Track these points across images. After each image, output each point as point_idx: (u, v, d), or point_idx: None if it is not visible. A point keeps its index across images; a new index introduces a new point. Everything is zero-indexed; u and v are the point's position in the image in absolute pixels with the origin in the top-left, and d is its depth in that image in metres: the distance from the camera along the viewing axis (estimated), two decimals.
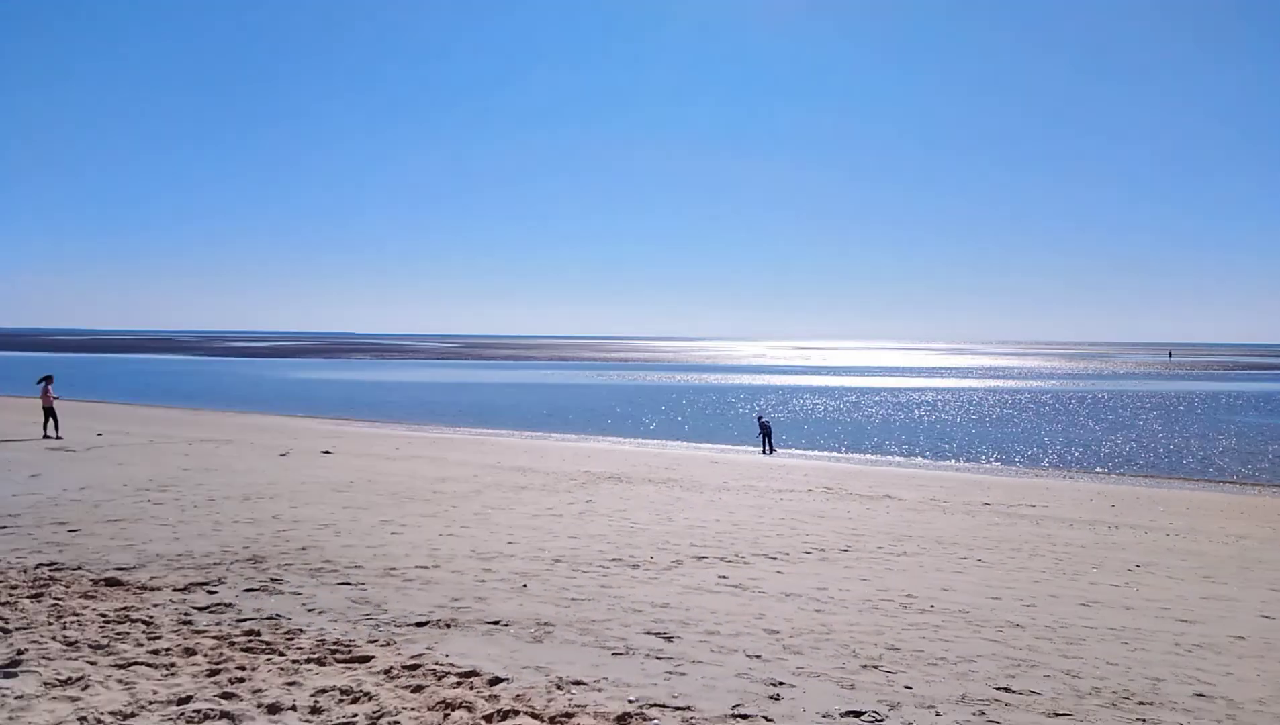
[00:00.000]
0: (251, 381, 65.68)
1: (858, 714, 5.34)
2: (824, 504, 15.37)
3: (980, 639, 7.14)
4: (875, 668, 6.26)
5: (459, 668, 5.85)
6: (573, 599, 7.94)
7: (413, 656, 6.07)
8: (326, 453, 20.78)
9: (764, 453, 28.16)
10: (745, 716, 5.23)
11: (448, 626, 6.92)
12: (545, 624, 7.07)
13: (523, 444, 27.71)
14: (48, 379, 23.88)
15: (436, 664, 5.90)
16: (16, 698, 5.09)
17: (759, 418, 31.12)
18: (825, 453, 29.39)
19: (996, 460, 28.20)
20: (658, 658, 6.30)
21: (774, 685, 5.79)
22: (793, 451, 29.18)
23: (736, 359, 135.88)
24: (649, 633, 6.93)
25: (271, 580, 8.24)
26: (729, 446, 30.39)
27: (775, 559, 10.16)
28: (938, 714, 5.40)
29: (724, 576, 9.10)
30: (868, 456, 28.66)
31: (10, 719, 4.79)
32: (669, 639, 6.77)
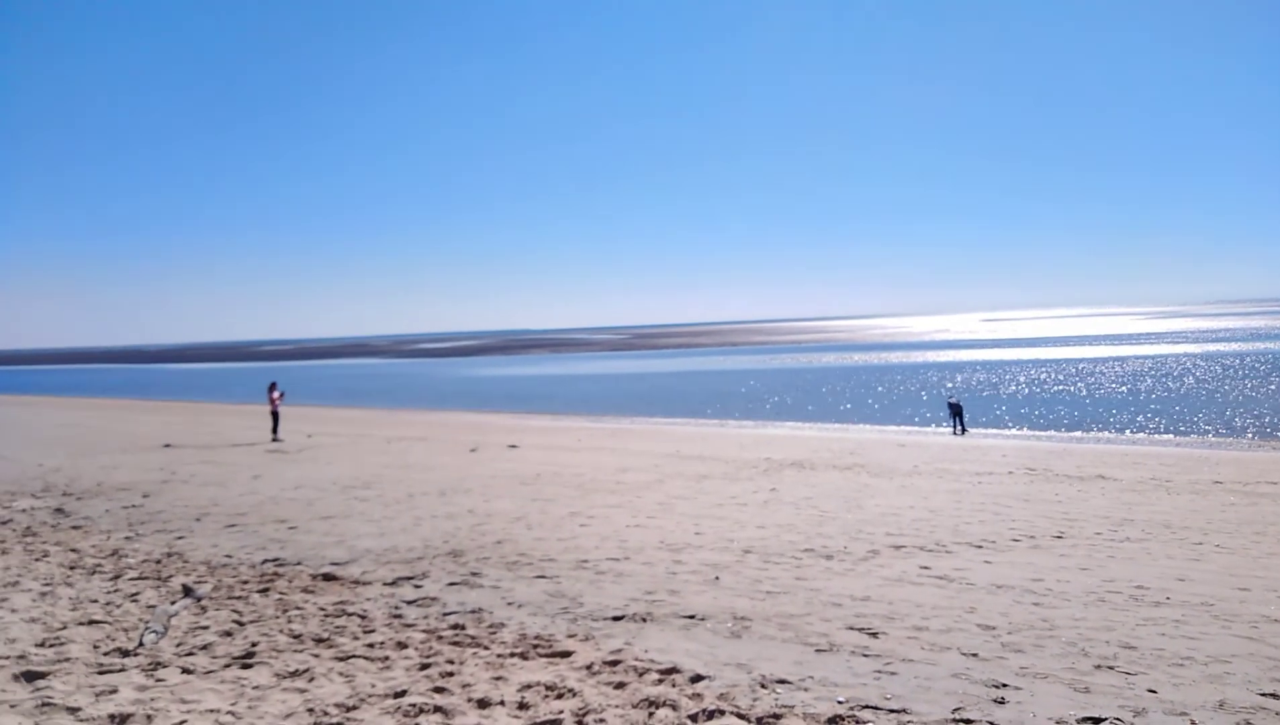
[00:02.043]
0: (439, 380, 69.21)
1: (1097, 721, 4.84)
2: (1028, 486, 14.38)
3: (1232, 636, 6.37)
4: (1110, 668, 5.68)
5: (659, 664, 5.76)
6: (767, 592, 7.71)
7: (612, 652, 6.03)
8: (513, 447, 21.47)
9: (955, 433, 26.83)
10: (968, 721, 4.85)
11: (644, 621, 6.86)
12: (742, 618, 6.88)
13: (700, 432, 27.67)
14: (274, 386, 25.93)
15: (636, 660, 5.83)
16: (253, 688, 5.40)
17: (948, 398, 29.68)
18: (1023, 431, 27.66)
19: (1223, 432, 25.62)
20: (864, 655, 5.98)
21: (996, 687, 5.35)
22: (987, 431, 27.65)
23: (916, 336, 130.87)
24: (851, 628, 6.61)
25: (472, 574, 8.49)
26: (916, 428, 29.18)
27: (981, 548, 9.54)
28: (1193, 722, 4.81)
29: (926, 567, 8.61)
30: (1071, 434, 26.73)
31: (250, 708, 5.08)
32: (874, 635, 6.43)
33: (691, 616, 6.95)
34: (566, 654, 6.00)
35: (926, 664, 5.79)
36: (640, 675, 5.55)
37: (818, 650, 6.09)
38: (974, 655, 5.96)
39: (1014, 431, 27.76)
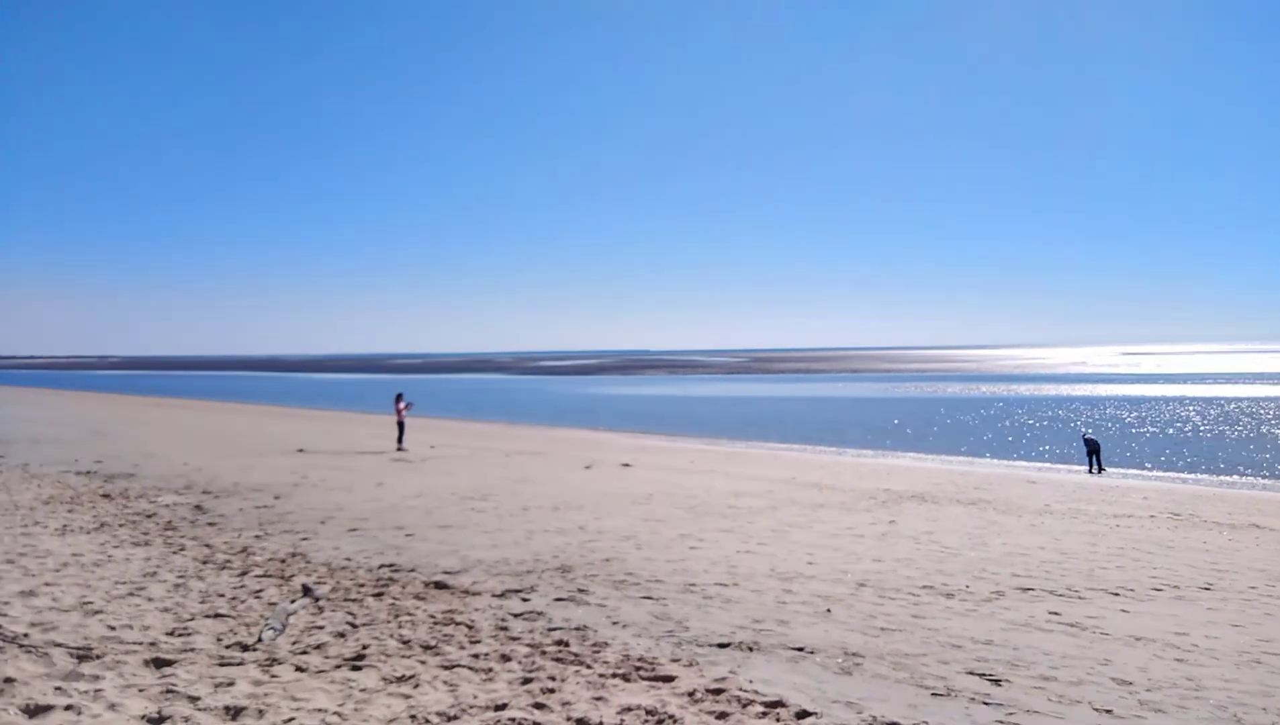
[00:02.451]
0: (558, 397, 70.40)
1: None
2: (1171, 532, 13.39)
3: None
4: None
5: (764, 696, 5.56)
6: (882, 628, 7.38)
7: (716, 680, 5.86)
8: (626, 465, 21.52)
9: (1091, 472, 25.37)
10: None
11: (750, 650, 6.66)
12: (853, 654, 6.60)
13: (817, 459, 27.10)
14: (401, 397, 26.88)
15: (740, 690, 5.65)
16: (360, 690, 5.50)
17: (1084, 434, 28.13)
18: (1166, 473, 25.90)
19: None
20: (985, 703, 5.62)
21: None
22: (1126, 471, 26.03)
23: (1051, 368, 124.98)
24: (971, 673, 6.23)
25: (579, 591, 8.47)
26: (1048, 465, 27.75)
27: (1117, 595, 8.89)
28: None
29: (1056, 613, 8.08)
30: (1222, 478, 24.85)
31: (355, 710, 5.16)
32: (996, 682, 6.04)
33: (800, 649, 6.71)
34: (669, 679, 5.87)
35: (1053, 717, 5.39)
36: (744, 706, 5.37)
37: (934, 694, 5.76)
38: (1108, 712, 5.51)
39: (1156, 473, 26.04)
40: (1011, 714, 5.43)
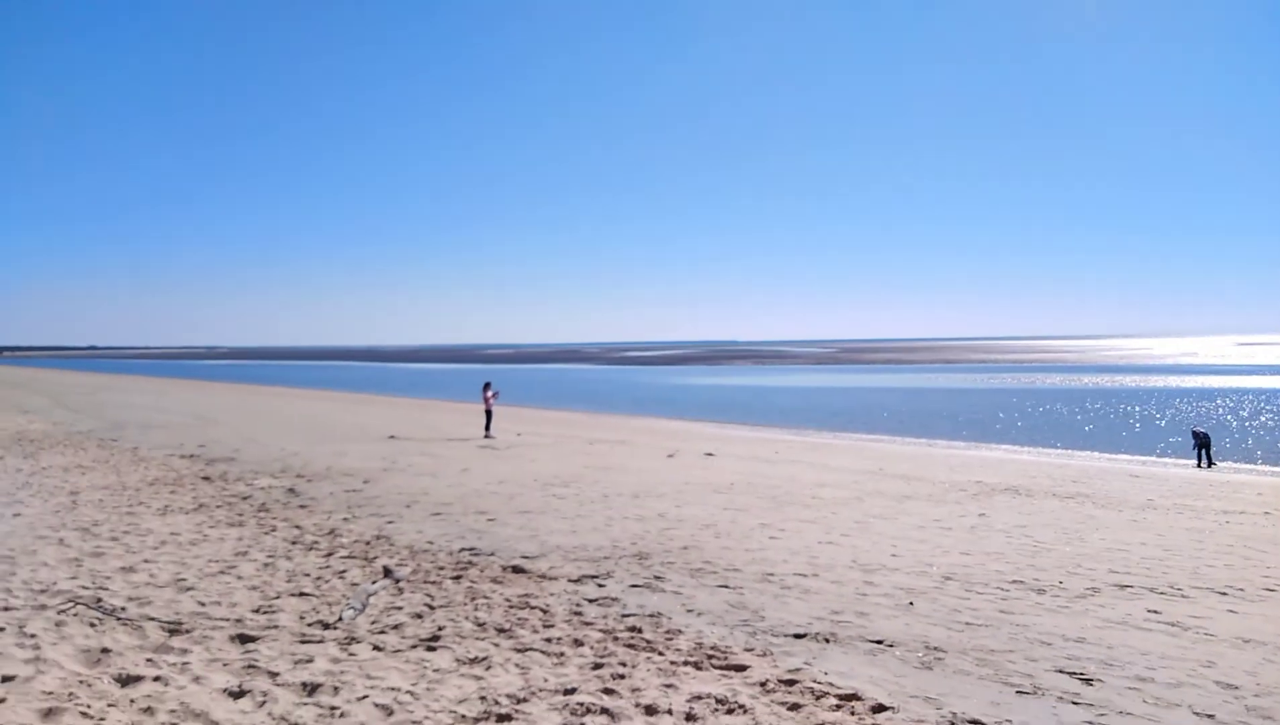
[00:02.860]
0: (644, 387, 70.60)
1: None
2: None
3: None
4: None
5: (839, 689, 5.40)
6: (966, 623, 7.12)
7: (790, 670, 5.73)
8: (709, 455, 21.40)
9: (1200, 466, 24.10)
10: None
11: (827, 641, 6.50)
12: (935, 649, 6.37)
13: (905, 451, 26.46)
14: (489, 386, 27.33)
15: (815, 682, 5.51)
16: (434, 670, 5.56)
17: (1193, 427, 26.76)
18: None
19: None
20: (1074, 703, 5.35)
21: None
22: (1238, 466, 24.65)
23: (1158, 358, 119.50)
24: (1061, 671, 5.94)
25: (655, 578, 8.42)
26: (1152, 458, 26.49)
27: (1225, 595, 8.38)
28: None
29: (1155, 611, 7.65)
30: None
31: (427, 689, 5.22)
32: (1087, 681, 5.74)
33: (879, 641, 6.52)
34: (741, 668, 5.77)
35: (1149, 720, 5.09)
36: (817, 698, 5.23)
37: (1019, 692, 5.51)
38: (1210, 717, 5.18)
39: (1272, 468, 24.56)
40: (1103, 715, 5.15)
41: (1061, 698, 5.42)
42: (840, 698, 5.24)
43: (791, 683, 5.47)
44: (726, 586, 8.17)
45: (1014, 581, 8.71)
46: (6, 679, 5.04)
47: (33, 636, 5.82)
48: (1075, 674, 5.88)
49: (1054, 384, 67.37)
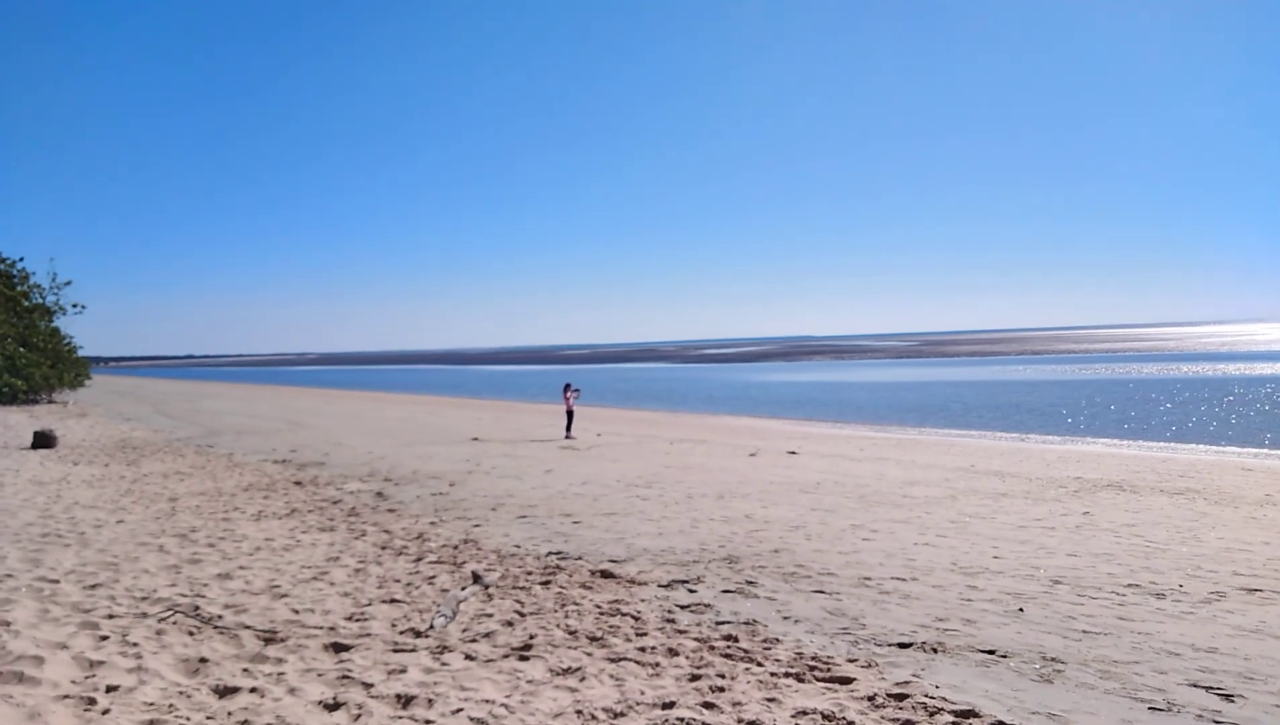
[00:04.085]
0: (722, 385, 70.09)
1: None
2: None
3: None
4: None
5: (953, 704, 5.08)
6: (1083, 631, 6.68)
7: (898, 684, 5.43)
8: (792, 453, 20.99)
9: None
10: None
11: (935, 651, 6.16)
12: (1053, 660, 5.98)
13: (997, 446, 25.54)
14: (569, 386, 27.41)
15: (927, 696, 5.19)
16: (527, 682, 5.43)
17: None
18: None
19: None
20: (1215, 721, 4.92)
21: None
22: None
23: (1265, 345, 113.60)
24: (1195, 685, 5.50)
25: (747, 583, 8.17)
26: (1265, 451, 25.02)
27: None
28: None
29: None
30: None
31: (522, 702, 5.09)
32: (1228, 697, 5.29)
33: (991, 652, 6.15)
34: (846, 680, 5.49)
35: None
36: (931, 715, 4.92)
37: (1152, 708, 5.10)
38: None
39: None
40: None
41: (1201, 715, 5.00)
42: (956, 714, 4.93)
43: (902, 697, 5.17)
44: (822, 592, 7.87)
45: (1129, 585, 8.19)
46: (111, 689, 5.08)
47: (135, 645, 5.89)
48: (1212, 689, 5.43)
49: (1152, 374, 64.57)
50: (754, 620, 6.92)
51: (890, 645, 6.30)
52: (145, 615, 6.62)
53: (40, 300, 44.97)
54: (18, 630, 6.15)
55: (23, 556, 8.66)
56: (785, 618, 7.03)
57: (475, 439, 24.36)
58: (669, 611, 7.16)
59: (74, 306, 46.05)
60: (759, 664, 5.80)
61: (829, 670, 5.67)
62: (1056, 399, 45.39)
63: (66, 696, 4.96)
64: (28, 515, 11.19)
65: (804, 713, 4.92)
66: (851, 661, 5.89)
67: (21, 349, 39.03)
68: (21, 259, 44.70)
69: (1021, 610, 7.28)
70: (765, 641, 6.34)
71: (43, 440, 20.41)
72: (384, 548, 9.59)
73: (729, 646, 6.18)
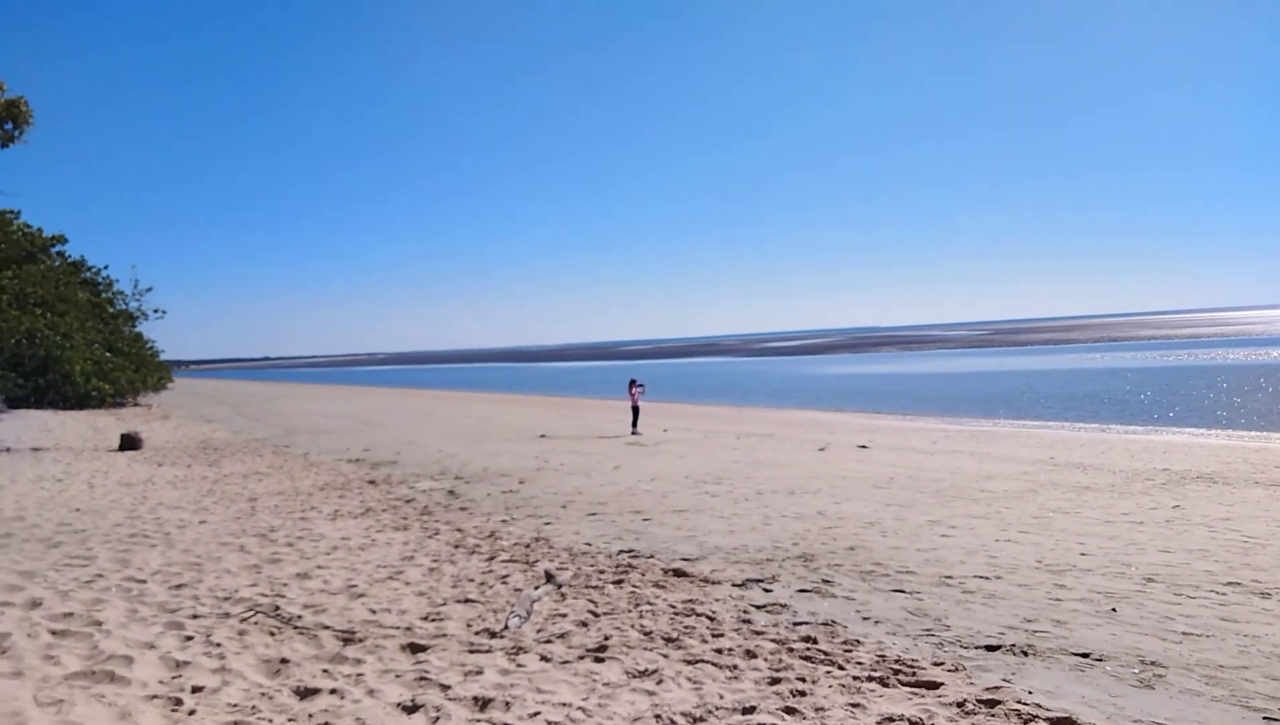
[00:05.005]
0: (787, 378, 69.43)
1: None
2: None
3: None
4: None
5: (1048, 711, 4.86)
6: (1183, 633, 6.35)
7: (988, 689, 5.21)
8: (863, 447, 20.61)
9: None
10: None
11: (1025, 654, 5.91)
12: (1152, 664, 5.69)
13: (1076, 437, 24.73)
14: (634, 382, 27.40)
15: (1020, 703, 4.97)
16: (604, 684, 5.35)
17: None
18: None
19: None
20: None
21: None
22: None
23: None
24: None
25: (823, 582, 7.99)
26: None
27: None
28: None
29: None
30: None
31: (599, 706, 5.02)
32: None
33: (1085, 654, 5.88)
34: (933, 685, 5.29)
35: None
36: (1025, 723, 4.71)
37: (1267, 718, 4.80)
38: None
39: None
40: None
41: None
42: (1052, 721, 4.70)
43: (993, 703, 4.95)
44: (902, 591, 7.65)
45: (1230, 583, 7.79)
46: (196, 689, 5.16)
47: (218, 645, 5.99)
48: None
49: (1240, 359, 61.98)
50: (832, 621, 6.75)
51: (977, 648, 6.07)
52: (228, 615, 6.74)
53: (124, 306, 46.79)
54: (109, 630, 6.31)
55: (112, 556, 8.92)
56: (865, 618, 6.84)
57: (543, 436, 24.48)
58: (744, 612, 7.03)
59: (155, 312, 47.91)
60: (840, 667, 5.64)
61: (914, 674, 5.48)
62: (1138, 387, 43.84)
63: (155, 696, 5.05)
64: (116, 516, 11.55)
65: (890, 719, 4.75)
66: (937, 665, 5.69)
67: (108, 354, 40.55)
68: (106, 267, 46.63)
69: (1114, 610, 6.96)
70: (845, 643, 6.17)
71: (129, 442, 21.13)
72: (457, 546, 9.64)
73: (808, 648, 6.02)
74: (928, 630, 6.50)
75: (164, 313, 48.28)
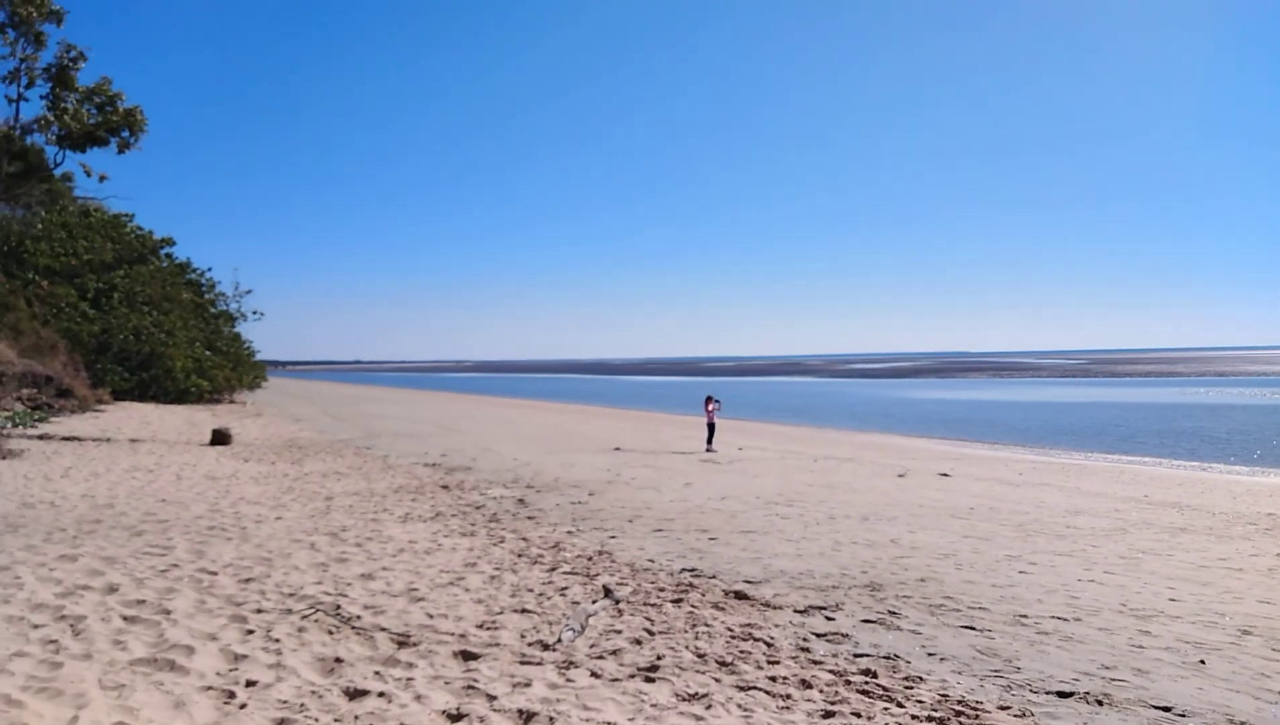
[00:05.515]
0: (871, 401, 68.12)
1: None
2: None
3: None
4: None
5: None
6: None
7: None
8: (944, 475, 20.00)
9: None
10: None
11: (1100, 704, 5.58)
12: (1242, 724, 5.29)
13: (1174, 475, 23.54)
14: (710, 398, 27.23)
15: None
16: (652, 705, 5.25)
17: None
18: None
19: None
20: None
21: None
22: None
23: None
24: None
25: (889, 613, 7.71)
26: None
27: None
28: None
29: None
30: None
31: None
32: None
33: (1167, 709, 5.51)
34: None
35: None
36: None
37: None
38: None
39: None
40: None
41: None
42: None
43: None
44: (972, 628, 7.33)
45: None
46: (250, 683, 5.24)
47: (277, 641, 6.09)
48: None
49: None
50: (895, 655, 6.50)
51: (1048, 693, 5.75)
52: (290, 612, 6.86)
53: (225, 307, 48.84)
54: (176, 619, 6.49)
55: (189, 547, 9.22)
56: (930, 654, 6.56)
57: (617, 449, 24.50)
58: (804, 639, 6.83)
59: (254, 313, 49.91)
60: (899, 704, 5.41)
61: (977, 717, 5.22)
62: (1243, 425, 41.55)
63: (210, 688, 5.15)
64: (198, 508, 11.95)
65: None
66: (1003, 709, 5.40)
67: (207, 352, 42.33)
68: (210, 269, 48.74)
69: (1203, 662, 6.52)
70: (907, 679, 5.92)
71: (220, 438, 21.94)
72: (520, 555, 9.66)
73: (866, 682, 5.80)
74: (996, 671, 6.19)
75: (262, 314, 50.34)
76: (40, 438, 20.43)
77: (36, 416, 24.74)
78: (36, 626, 6.24)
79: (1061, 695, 5.71)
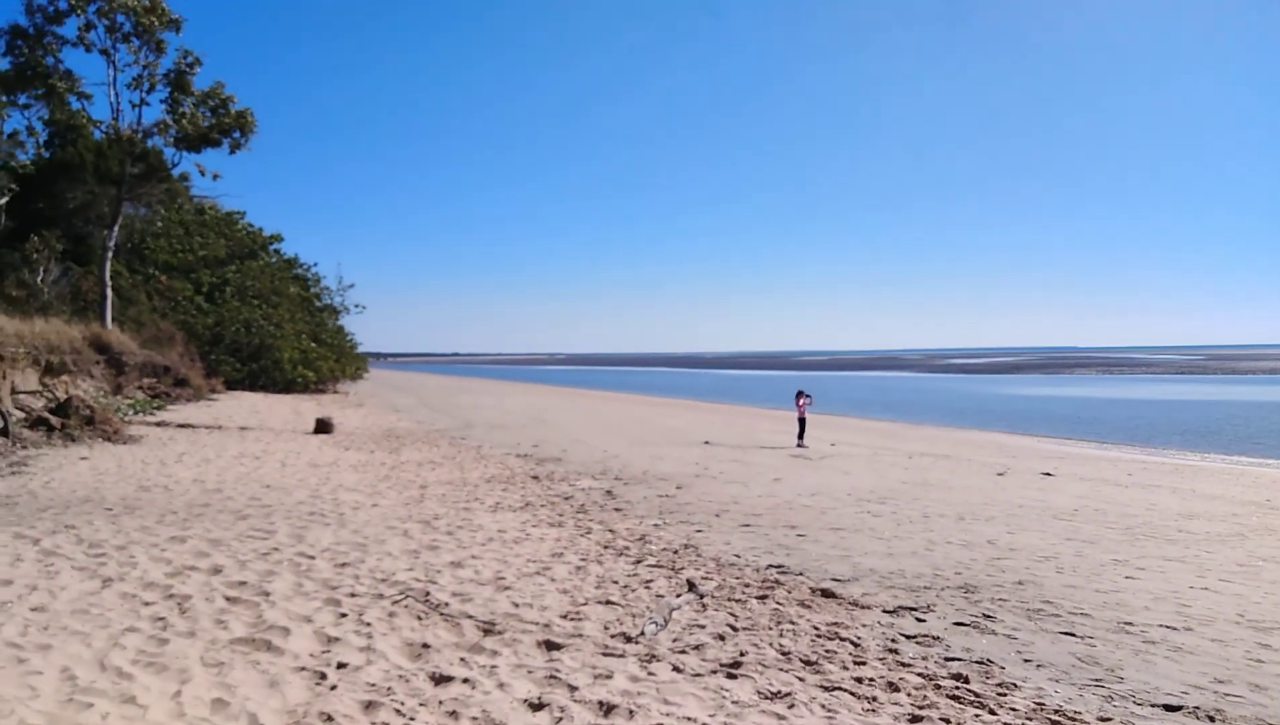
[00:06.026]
0: (969, 397, 66.14)
1: None
2: None
3: None
4: None
5: None
6: None
7: None
8: (1047, 474, 19.25)
9: None
10: None
11: (1210, 720, 5.26)
12: None
13: None
14: (801, 393, 26.88)
15: None
16: (733, 702, 5.19)
17: None
18: None
19: None
20: None
21: None
22: None
23: None
24: None
25: (984, 616, 7.45)
26: None
27: None
28: None
29: None
30: None
31: (725, 724, 4.86)
32: None
33: None
34: None
35: None
36: None
37: None
38: None
39: None
40: None
41: None
42: None
43: None
44: (1072, 634, 7.01)
45: None
46: (341, 665, 5.40)
47: (368, 625, 6.27)
48: None
49: None
50: (988, 660, 6.27)
51: (1154, 706, 5.46)
52: (381, 597, 7.05)
53: (329, 301, 50.68)
54: (274, 601, 6.75)
55: (290, 532, 9.57)
56: (1026, 660, 6.31)
57: (707, 442, 24.42)
58: (892, 640, 6.66)
59: (356, 306, 51.62)
60: (991, 712, 5.21)
61: None
62: None
63: (303, 669, 5.32)
64: (300, 494, 12.42)
65: None
66: (1104, 721, 5.15)
67: (313, 344, 44.00)
68: (316, 264, 50.65)
69: None
70: (1000, 686, 5.71)
71: (322, 426, 22.76)
72: (606, 547, 9.71)
73: (957, 687, 5.61)
74: (1097, 680, 5.91)
75: (364, 308, 52.11)
76: (158, 424, 21.59)
77: (155, 404, 26.15)
78: (147, 604, 6.58)
79: (1169, 709, 5.41)
